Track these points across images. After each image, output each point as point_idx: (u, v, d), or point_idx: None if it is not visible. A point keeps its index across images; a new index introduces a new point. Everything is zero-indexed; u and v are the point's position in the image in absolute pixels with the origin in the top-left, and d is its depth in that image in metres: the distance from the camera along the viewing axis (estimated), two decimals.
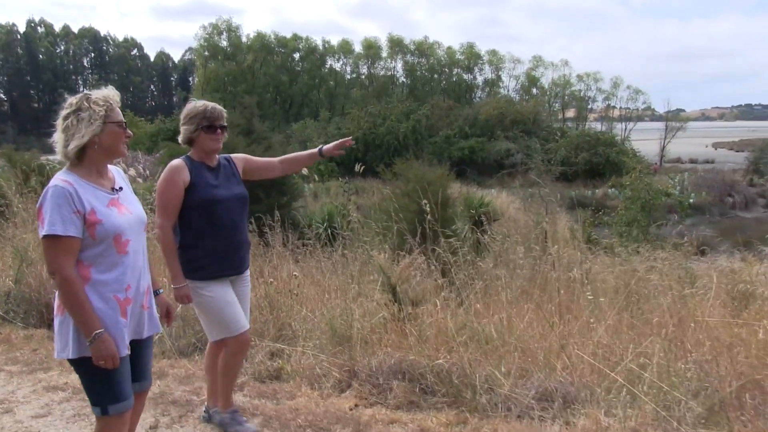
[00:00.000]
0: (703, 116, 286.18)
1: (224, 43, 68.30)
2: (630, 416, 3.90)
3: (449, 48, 70.74)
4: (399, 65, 71.14)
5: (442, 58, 70.53)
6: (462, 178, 35.43)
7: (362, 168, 12.91)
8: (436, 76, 71.57)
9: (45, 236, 2.69)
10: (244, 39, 68.81)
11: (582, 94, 70.18)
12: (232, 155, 4.15)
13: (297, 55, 71.01)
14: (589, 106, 72.20)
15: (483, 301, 5.76)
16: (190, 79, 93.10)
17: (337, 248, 7.54)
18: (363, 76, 72.51)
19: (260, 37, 67.93)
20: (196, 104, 3.91)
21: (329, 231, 10.82)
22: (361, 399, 4.39)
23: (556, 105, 70.31)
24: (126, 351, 2.86)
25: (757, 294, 6.88)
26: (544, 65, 70.61)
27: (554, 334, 4.77)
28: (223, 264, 3.86)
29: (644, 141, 53.69)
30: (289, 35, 70.06)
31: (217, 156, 3.97)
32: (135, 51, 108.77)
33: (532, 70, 70.50)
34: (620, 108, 71.90)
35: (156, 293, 3.21)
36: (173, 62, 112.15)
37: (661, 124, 59.76)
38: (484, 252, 8.56)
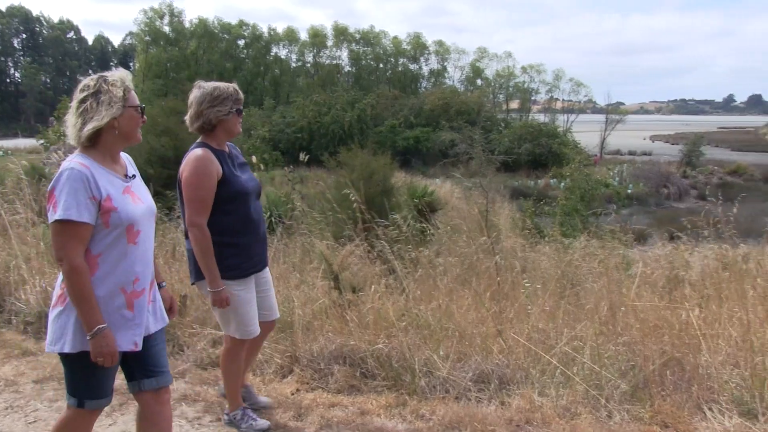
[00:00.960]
0: (642, 109, 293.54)
1: (166, 29, 66.89)
2: (562, 395, 4.07)
3: (395, 38, 70.85)
4: (344, 54, 70.91)
5: (388, 48, 70.55)
6: (407, 168, 35.66)
7: (307, 157, 12.90)
8: (381, 65, 71.53)
9: (57, 221, 2.55)
10: (187, 24, 67.56)
11: (526, 85, 71.16)
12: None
13: (242, 42, 69.99)
14: (533, 98, 73.31)
15: (423, 288, 5.88)
16: (131, 64, 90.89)
17: (280, 237, 7.56)
18: (308, 65, 72.00)
19: (204, 23, 66.76)
20: (223, 86, 3.62)
21: (272, 220, 10.82)
22: (303, 384, 4.44)
23: (501, 96, 71.15)
24: (130, 346, 2.73)
25: (685, 279, 7.20)
26: (488, 57, 71.31)
27: (491, 319, 4.91)
28: (255, 260, 3.72)
29: (585, 133, 54.75)
30: (232, 21, 69.10)
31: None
32: (71, 34, 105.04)
33: (477, 61, 71.11)
34: (563, 100, 73.30)
35: (159, 286, 3.04)
36: (113, 47, 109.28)
37: (601, 117, 61.00)
38: (427, 240, 8.69)
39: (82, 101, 2.67)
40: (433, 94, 52.91)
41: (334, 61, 71.16)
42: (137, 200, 2.79)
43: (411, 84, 69.64)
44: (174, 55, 64.85)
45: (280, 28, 73.35)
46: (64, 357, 2.70)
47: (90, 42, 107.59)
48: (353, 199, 6.89)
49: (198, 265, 3.58)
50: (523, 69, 71.15)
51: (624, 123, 63.58)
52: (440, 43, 71.04)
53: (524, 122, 52.56)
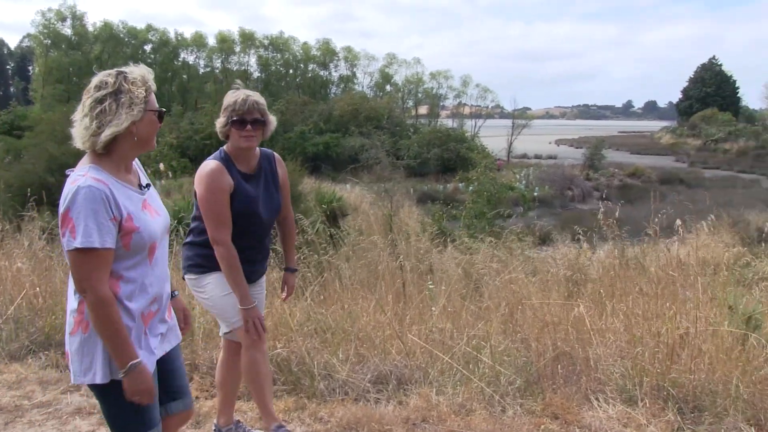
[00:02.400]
0: (548, 114, 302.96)
1: (68, 31, 64.41)
2: (458, 393, 4.19)
3: (305, 44, 70.62)
4: (253, 60, 70.19)
5: (298, 54, 70.31)
6: (317, 174, 35.64)
7: None
8: (291, 71, 71.20)
9: (78, 249, 2.23)
10: (90, 28, 65.26)
11: (434, 91, 72.26)
12: (276, 155, 3.75)
13: (148, 47, 68.24)
14: (441, 104, 74.55)
15: (327, 292, 5.93)
16: (30, 68, 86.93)
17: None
18: (217, 71, 70.88)
19: (108, 26, 64.64)
20: (230, 94, 3.45)
21: (180, 229, 10.63)
22: (202, 391, 4.40)
23: (410, 102, 72.04)
24: (151, 369, 2.47)
25: (583, 278, 7.52)
26: (398, 63, 72.07)
27: (391, 321, 5.00)
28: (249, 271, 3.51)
29: (493, 137, 56.09)
30: (137, 25, 67.33)
31: (257, 154, 3.57)
32: None
33: (386, 67, 71.74)
34: (470, 105, 74.85)
35: (172, 295, 2.77)
36: (9, 49, 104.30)
37: (508, 122, 62.57)
38: (335, 245, 8.73)
39: (99, 101, 2.34)
40: (343, 99, 53.09)
41: (243, 67, 70.34)
42: (154, 214, 2.52)
43: (321, 90, 69.60)
44: (76, 59, 62.46)
45: (188, 33, 71.88)
46: (98, 389, 2.42)
47: None
48: None
49: (191, 259, 3.50)
50: (432, 75, 72.30)
51: (530, 127, 65.53)
52: (349, 50, 71.33)
53: (433, 127, 53.40)
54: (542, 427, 3.85)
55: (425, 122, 65.60)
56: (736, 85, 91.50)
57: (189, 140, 42.35)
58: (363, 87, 71.69)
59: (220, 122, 3.43)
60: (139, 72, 2.44)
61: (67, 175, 2.36)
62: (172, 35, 68.46)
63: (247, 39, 68.52)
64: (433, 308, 5.48)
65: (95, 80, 2.38)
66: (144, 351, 2.44)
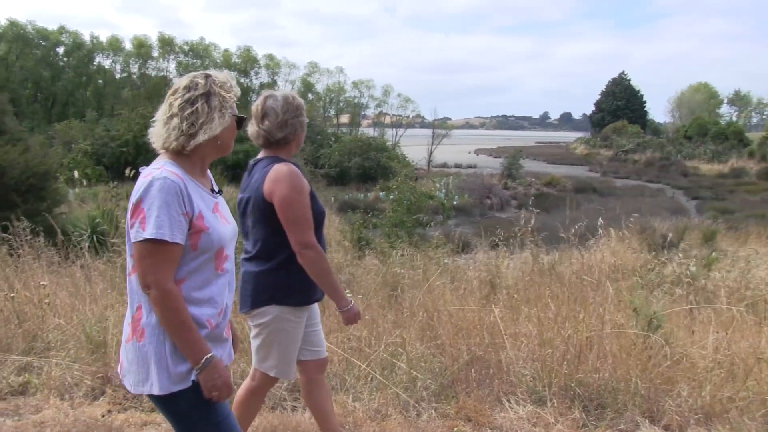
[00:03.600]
0: (467, 124, 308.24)
1: None
2: (374, 399, 4.26)
3: (226, 51, 69.88)
4: (172, 66, 68.86)
5: (218, 61, 69.40)
6: (237, 182, 35.17)
7: (133, 172, 12.44)
8: None
9: (147, 240, 2.16)
10: None
11: (356, 100, 72.63)
12: None
13: (61, 50, 65.84)
14: (363, 113, 75.00)
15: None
16: None
17: (103, 254, 7.29)
18: (135, 76, 69.17)
19: (15, 26, 61.87)
20: (294, 96, 3.30)
21: (95, 237, 10.35)
22: (115, 404, 4.32)
23: (331, 111, 72.13)
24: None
25: (500, 283, 7.72)
26: (319, 72, 72.15)
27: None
28: (317, 288, 3.31)
29: (414, 147, 56.67)
30: (47, 26, 64.91)
31: None
32: None
33: (308, 75, 71.71)
34: (391, 115, 75.59)
35: None
36: None
37: (429, 131, 63.33)
38: None
39: (190, 102, 2.29)
40: None
41: (162, 73, 68.92)
42: (224, 220, 2.42)
43: (242, 97, 68.30)
44: None
45: (103, 37, 69.79)
46: (160, 400, 2.31)
47: None
48: None
49: (257, 290, 3.21)
50: (354, 84, 72.69)
51: (450, 137, 66.60)
52: (271, 57, 70.99)
53: (354, 136, 53.52)
54: (455, 429, 3.96)
55: (346, 131, 65.82)
56: (644, 99, 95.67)
57: (104, 147, 41.08)
58: None
59: (300, 123, 3.29)
60: (224, 76, 2.41)
61: (139, 173, 2.30)
62: (86, 38, 66.33)
63: (167, 44, 67.20)
64: None
65: (184, 81, 2.34)
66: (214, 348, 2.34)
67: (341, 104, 72.24)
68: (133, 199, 2.21)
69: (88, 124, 47.27)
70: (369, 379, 4.51)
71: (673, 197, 37.08)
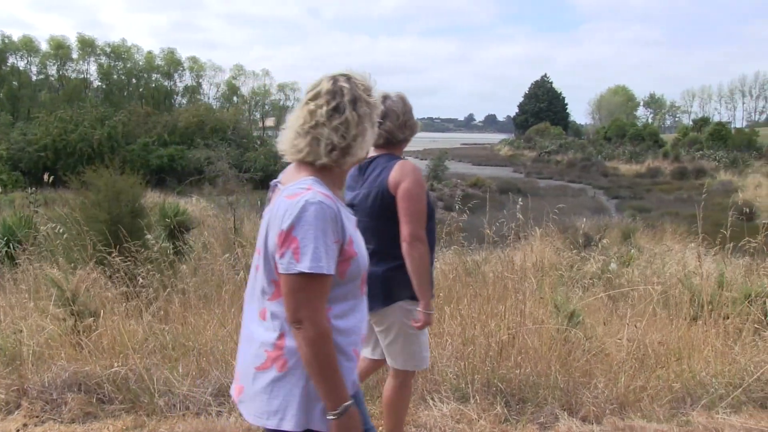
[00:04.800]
0: None
1: None
2: None
3: (149, 53, 68.36)
4: (93, 68, 66.91)
5: (140, 63, 67.85)
6: (162, 187, 34.52)
7: (51, 178, 12.07)
8: (134, 80, 68.58)
9: (302, 274, 1.96)
10: None
11: (281, 103, 72.30)
12: None
13: None
14: (289, 115, 74.58)
15: (170, 307, 5.82)
16: None
17: (20, 264, 7.05)
18: (52, 78, 66.90)
19: None
20: (404, 99, 3.34)
21: (12, 246, 9.99)
22: (32, 417, 4.16)
23: (257, 114, 71.52)
24: None
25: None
26: (245, 74, 71.50)
27: (232, 333, 4.98)
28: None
29: None
30: None
31: None
32: None
33: (233, 78, 70.91)
34: None
35: None
36: None
37: None
38: (182, 260, 8.56)
39: (338, 110, 2.08)
40: (188, 111, 51.68)
41: (81, 75, 66.92)
42: (361, 240, 2.23)
43: (165, 100, 67.57)
44: None
45: (16, 36, 67.08)
46: None
47: None
48: (101, 220, 6.63)
49: (386, 288, 3.20)
50: (279, 87, 72.30)
51: None
52: (195, 60, 69.92)
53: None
54: (379, 429, 3.99)
55: (272, 134, 65.38)
56: (565, 102, 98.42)
57: (21, 152, 39.53)
58: (209, 98, 70.64)
59: (403, 126, 3.32)
60: (364, 79, 2.18)
61: (272, 186, 2.17)
62: None
63: (87, 45, 65.20)
64: None
65: (326, 85, 2.12)
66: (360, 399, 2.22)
67: (267, 107, 71.73)
68: (284, 225, 2.00)
69: (3, 128, 45.43)
70: None
71: (594, 197, 38.29)
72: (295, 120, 2.17)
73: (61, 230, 7.34)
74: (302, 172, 2.14)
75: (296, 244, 1.96)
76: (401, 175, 3.17)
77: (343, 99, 2.09)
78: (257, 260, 2.18)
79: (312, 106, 2.11)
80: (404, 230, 3.14)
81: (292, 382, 2.06)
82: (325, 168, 2.12)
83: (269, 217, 2.11)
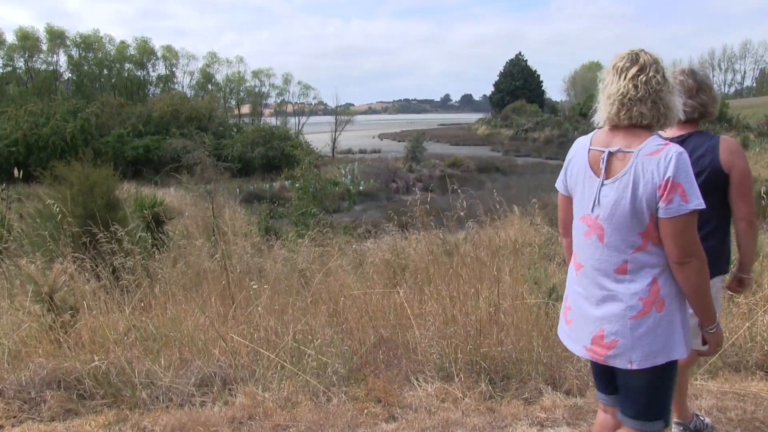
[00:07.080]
0: (370, 110, 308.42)
1: None
2: (284, 388, 4.23)
3: (121, 42, 67.07)
4: (63, 59, 65.64)
5: (112, 54, 66.70)
6: (139, 178, 34.22)
7: (22, 173, 11.87)
8: (105, 71, 67.45)
9: (693, 212, 2.28)
10: None
11: (257, 90, 71.53)
12: None
13: None
14: (264, 102, 74.02)
15: (150, 298, 5.76)
16: None
17: None
18: (20, 71, 65.55)
19: None
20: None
21: None
22: (9, 418, 4.07)
23: (232, 101, 70.81)
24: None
25: (404, 264, 7.80)
26: (219, 62, 70.55)
27: (213, 322, 4.94)
28: None
29: (317, 134, 56.46)
30: None
31: None
32: None
33: (207, 66, 70.02)
34: (293, 103, 74.95)
35: None
36: None
37: (332, 118, 63.18)
38: (161, 251, 8.48)
39: (666, 77, 2.43)
40: (162, 100, 51.02)
41: (51, 67, 65.67)
42: None
43: (138, 91, 66.51)
44: None
45: None
46: (661, 368, 2.44)
47: None
48: (76, 215, 6.53)
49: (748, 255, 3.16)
50: (254, 73, 71.54)
51: (353, 123, 66.64)
52: (168, 48, 68.74)
53: (256, 126, 52.72)
54: (365, 411, 3.99)
55: (248, 121, 64.90)
56: (540, 79, 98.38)
57: None
58: (183, 87, 69.52)
59: (715, 99, 3.30)
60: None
61: (605, 156, 2.43)
62: None
63: (56, 37, 63.83)
64: (260, 307, 5.46)
65: (646, 57, 2.43)
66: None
67: (242, 94, 71.01)
68: (667, 175, 2.27)
69: None
70: (278, 368, 4.48)
71: None
72: (617, 91, 2.43)
73: (34, 226, 7.23)
74: (640, 135, 2.40)
75: (682, 189, 2.26)
76: (734, 154, 3.13)
77: (663, 72, 2.42)
78: (589, 231, 2.50)
79: (643, 77, 2.40)
80: (739, 211, 3.13)
81: (670, 318, 2.39)
82: (652, 129, 2.44)
83: (630, 179, 2.35)
